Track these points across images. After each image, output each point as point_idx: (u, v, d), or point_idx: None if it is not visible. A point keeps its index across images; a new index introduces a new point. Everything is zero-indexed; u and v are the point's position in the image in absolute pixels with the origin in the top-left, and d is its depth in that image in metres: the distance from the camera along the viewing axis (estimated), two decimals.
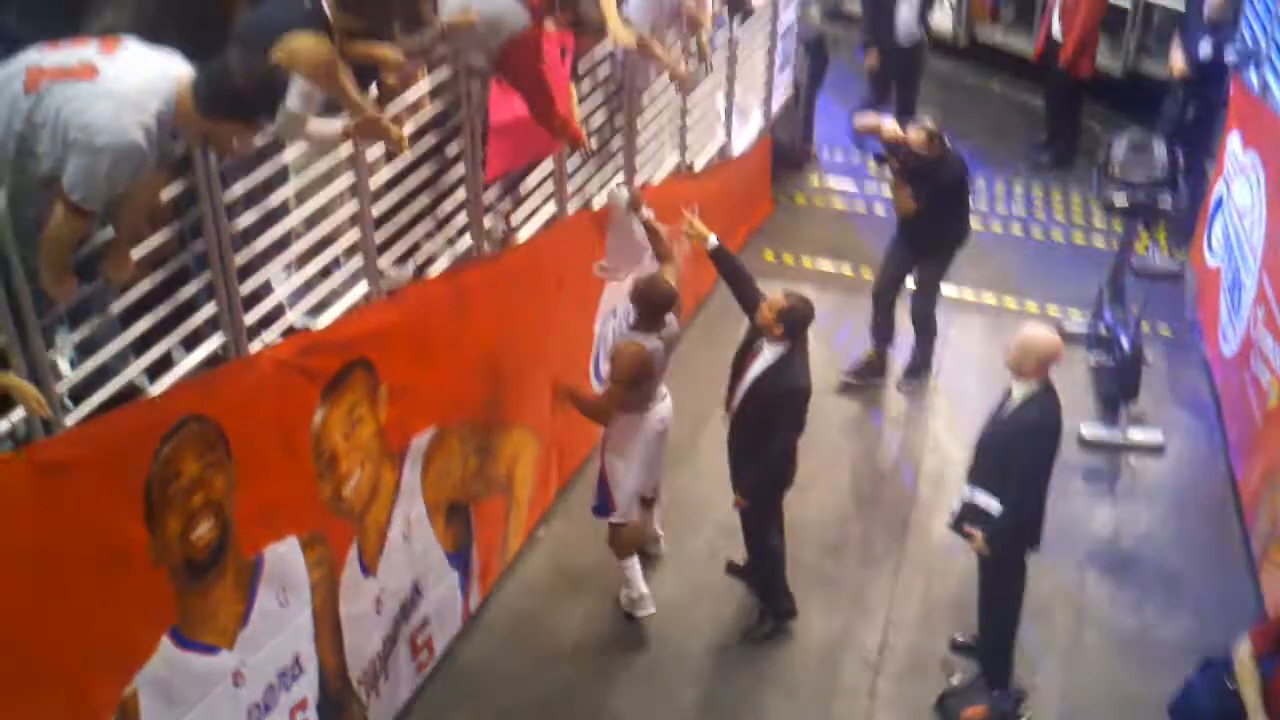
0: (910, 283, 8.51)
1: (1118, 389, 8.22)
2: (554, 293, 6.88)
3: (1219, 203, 9.31)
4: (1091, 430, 8.16)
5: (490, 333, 6.20)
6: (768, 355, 6.01)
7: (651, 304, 6.12)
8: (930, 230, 8.15)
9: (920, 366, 8.64)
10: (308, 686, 5.07)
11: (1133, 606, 6.93)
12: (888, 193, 8.85)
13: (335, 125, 4.70)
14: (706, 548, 7.08)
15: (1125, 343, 8.12)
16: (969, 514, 5.91)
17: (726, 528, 6.88)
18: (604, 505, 6.50)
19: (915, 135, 7.85)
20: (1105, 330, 8.57)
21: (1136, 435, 8.15)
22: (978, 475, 5.93)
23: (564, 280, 6.99)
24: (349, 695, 5.42)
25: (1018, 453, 5.69)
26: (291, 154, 4.86)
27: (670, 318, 6.23)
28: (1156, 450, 8.11)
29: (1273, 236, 7.89)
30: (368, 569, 5.40)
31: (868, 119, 8.36)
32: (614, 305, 7.66)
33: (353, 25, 4.75)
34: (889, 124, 8.00)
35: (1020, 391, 5.73)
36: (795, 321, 5.95)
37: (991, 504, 5.79)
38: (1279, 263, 7.71)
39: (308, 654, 5.04)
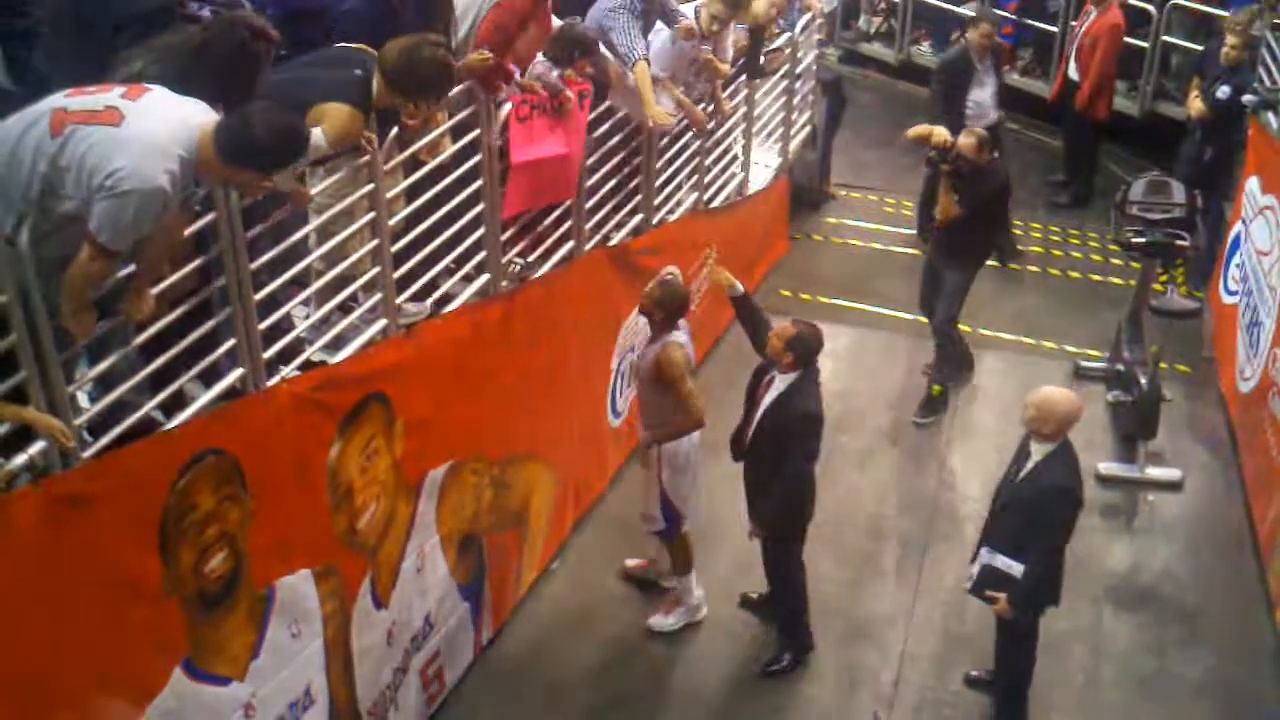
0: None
1: (1136, 426, 8.21)
2: (570, 329, 6.94)
3: (1236, 242, 9.32)
4: (1109, 467, 8.15)
5: (506, 368, 6.27)
6: (779, 385, 6.05)
7: (669, 307, 6.28)
8: (964, 238, 8.29)
9: (934, 400, 8.72)
10: (318, 717, 5.10)
11: (1150, 643, 6.89)
12: (903, 233, 8.89)
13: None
14: (721, 581, 7.08)
15: (1143, 380, 8.12)
16: (989, 578, 5.86)
17: (742, 563, 6.90)
18: (671, 525, 6.59)
19: (965, 140, 8.07)
20: (1124, 368, 8.58)
21: (1154, 472, 8.14)
22: (996, 537, 5.88)
23: (580, 317, 7.05)
24: None
25: (1042, 516, 5.65)
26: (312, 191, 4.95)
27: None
28: (1174, 487, 8.09)
29: None
30: (380, 601, 5.45)
31: (919, 127, 8.43)
32: (631, 342, 7.72)
33: (397, 104, 4.89)
34: (940, 130, 8.20)
35: (1040, 452, 5.70)
36: (805, 349, 6.00)
37: (1013, 566, 5.75)
38: None
39: (319, 685, 5.08)
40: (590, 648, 6.71)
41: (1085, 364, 9.18)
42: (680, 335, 6.32)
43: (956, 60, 9.95)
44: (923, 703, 6.46)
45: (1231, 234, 9.46)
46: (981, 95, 9.86)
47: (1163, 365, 8.28)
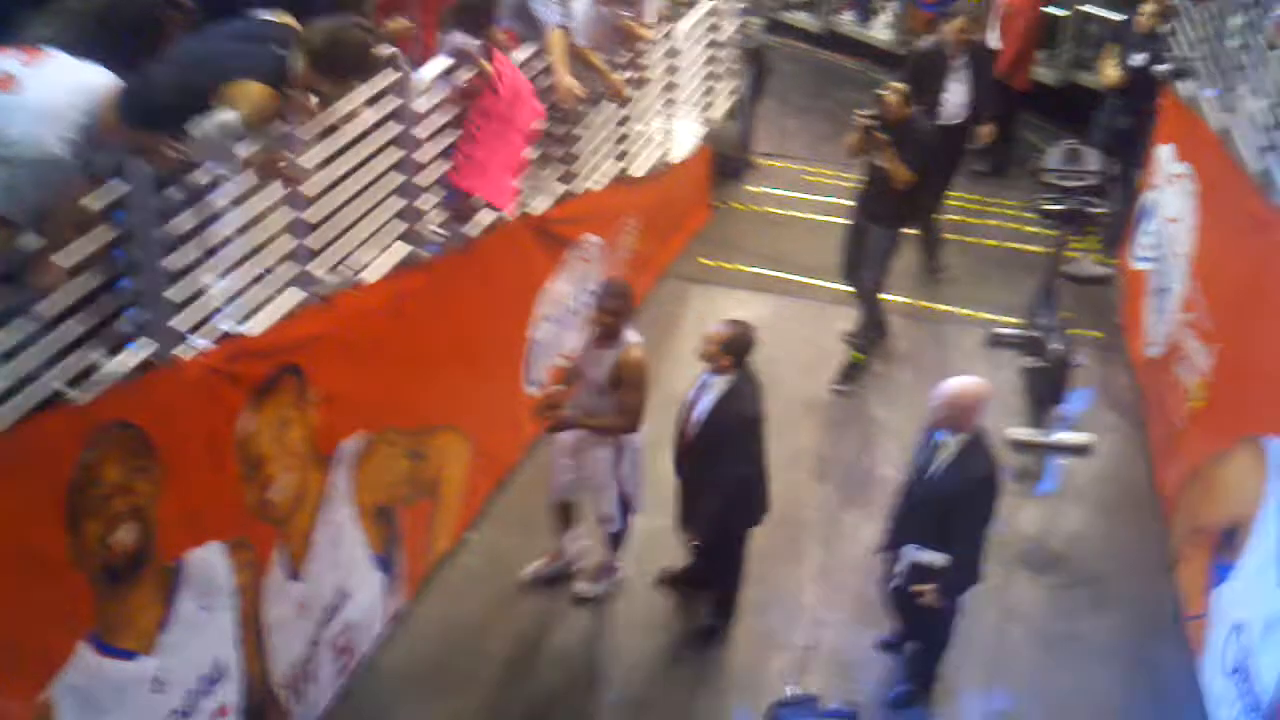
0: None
1: (1048, 391, 8.35)
2: (489, 299, 6.94)
3: (1147, 210, 9.50)
4: (1020, 432, 8.29)
5: (423, 338, 6.25)
6: (716, 387, 6.00)
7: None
8: (894, 198, 8.37)
9: (853, 367, 8.81)
10: (229, 691, 5.08)
11: (1059, 606, 7.05)
12: (824, 200, 8.93)
13: (236, 154, 4.76)
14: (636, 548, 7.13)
15: (1056, 346, 8.27)
16: (917, 574, 5.85)
17: (654, 530, 6.94)
18: (624, 518, 6.60)
19: (887, 95, 8.15)
20: (1037, 333, 8.72)
21: (1064, 436, 8.29)
22: (915, 533, 5.88)
23: (499, 285, 7.05)
24: (271, 700, 5.43)
25: (965, 508, 5.65)
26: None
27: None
28: (1085, 451, 8.25)
29: (1202, 243, 8.08)
30: (293, 573, 5.43)
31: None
32: (547, 311, 7.73)
33: (318, 85, 4.82)
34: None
35: (955, 443, 5.68)
36: (740, 348, 5.95)
37: (936, 558, 5.77)
38: (1207, 269, 7.89)
39: (229, 659, 5.06)
40: (504, 616, 6.72)
41: (1001, 330, 9.32)
42: (637, 336, 6.24)
43: (928, 52, 9.65)
44: (835, 665, 6.57)
45: (1143, 201, 9.64)
46: (954, 94, 9.55)
47: (1074, 331, 8.43)
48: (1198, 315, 7.80)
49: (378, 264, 5.95)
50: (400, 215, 6.09)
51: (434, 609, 6.75)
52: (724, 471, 6.00)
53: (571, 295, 8.09)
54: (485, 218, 6.83)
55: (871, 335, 8.96)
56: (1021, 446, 8.22)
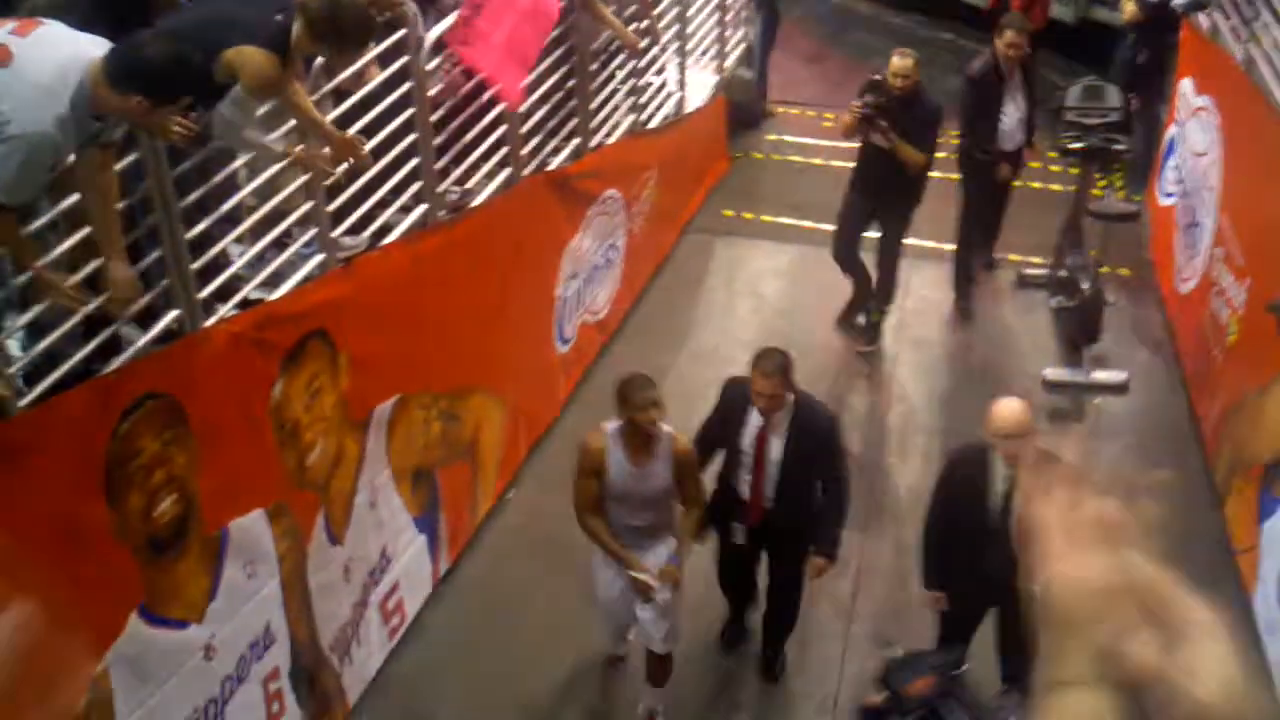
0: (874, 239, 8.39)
1: (1079, 330, 8.28)
2: (512, 257, 6.86)
3: (1172, 145, 9.36)
4: (1055, 373, 8.21)
5: (449, 299, 6.19)
6: (783, 420, 5.43)
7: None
8: (899, 178, 7.95)
9: (874, 326, 8.56)
10: (280, 656, 5.08)
11: None
12: (843, 146, 8.74)
13: (276, 143, 4.70)
14: None
15: (1085, 285, 8.17)
16: None
17: None
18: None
19: (888, 73, 7.73)
20: (1066, 273, 8.63)
21: (1099, 375, 8.21)
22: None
23: (522, 244, 6.97)
24: (322, 663, 5.43)
25: None
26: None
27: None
28: (1120, 389, 8.17)
29: (1229, 177, 7.95)
30: (335, 538, 5.40)
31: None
32: (574, 269, 7.66)
33: (318, 53, 4.75)
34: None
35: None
36: (789, 369, 5.38)
37: None
38: (1236, 203, 7.77)
39: (278, 624, 5.05)
40: (547, 573, 6.69)
41: (1028, 271, 9.23)
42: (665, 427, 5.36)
43: (984, 74, 8.62)
44: (880, 612, 6.53)
45: (1167, 136, 9.50)
46: (1010, 116, 8.61)
47: (1103, 269, 8.34)
48: (1229, 249, 7.69)
49: (398, 225, 5.88)
50: (416, 174, 6.01)
51: (478, 570, 6.74)
52: (839, 480, 5.58)
53: (595, 251, 8.01)
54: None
55: (883, 294, 8.54)
56: (1056, 387, 8.16)
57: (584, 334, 7.99)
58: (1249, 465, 6.70)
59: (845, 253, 8.42)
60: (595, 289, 8.10)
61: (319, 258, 5.40)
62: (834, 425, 5.60)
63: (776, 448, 5.45)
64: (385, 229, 5.89)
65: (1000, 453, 5.18)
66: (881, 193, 8.09)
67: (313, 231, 5.38)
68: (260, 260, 5.22)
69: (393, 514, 5.91)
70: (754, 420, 5.45)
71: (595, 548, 5.54)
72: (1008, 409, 5.20)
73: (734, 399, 5.53)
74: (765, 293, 9.09)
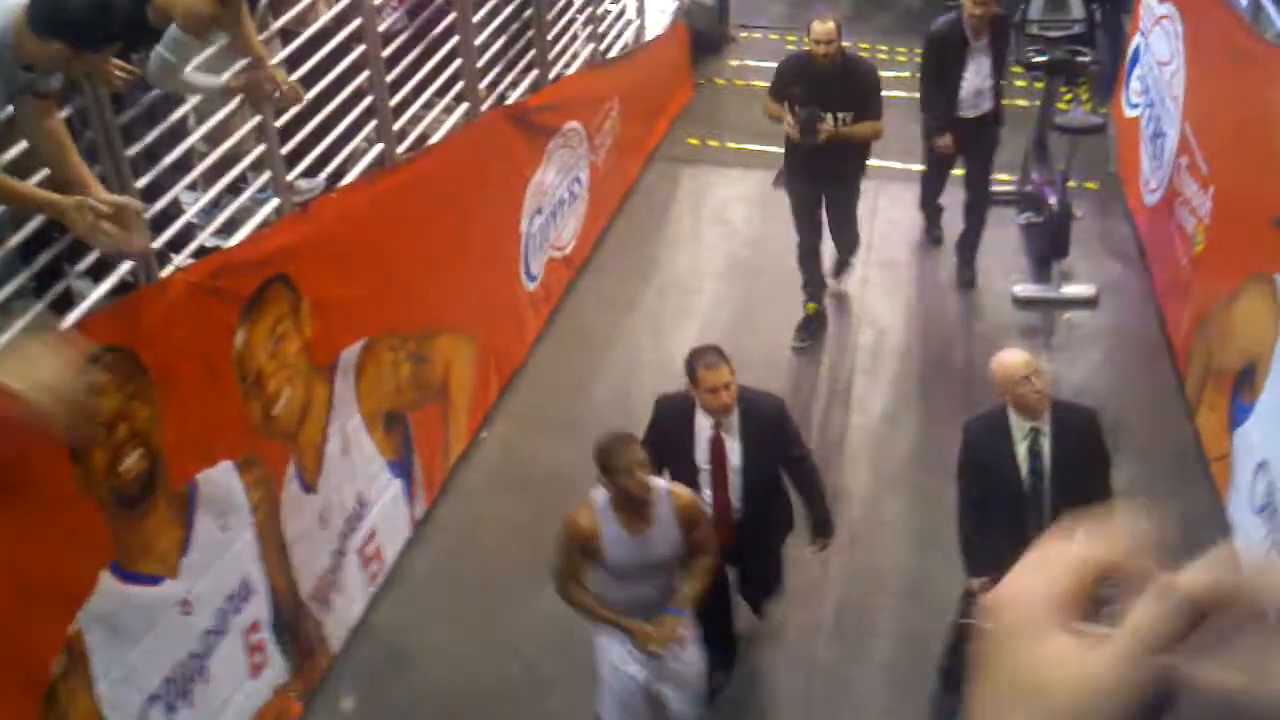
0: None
1: (1049, 246, 8.25)
2: (474, 194, 6.76)
3: (1136, 55, 9.29)
4: (1026, 289, 8.20)
5: (411, 239, 6.10)
6: (735, 419, 5.02)
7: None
8: (842, 159, 7.41)
9: (810, 319, 7.88)
10: (259, 607, 5.04)
11: None
12: None
13: (217, 80, 4.56)
14: None
15: (1053, 200, 8.14)
16: None
17: None
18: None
19: (820, 29, 7.12)
20: (1033, 189, 8.59)
21: (1069, 290, 8.21)
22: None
23: (483, 181, 6.87)
24: (302, 612, 5.40)
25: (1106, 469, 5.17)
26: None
27: None
28: (1090, 303, 8.17)
29: (1193, 86, 7.90)
30: (308, 486, 5.35)
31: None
32: (538, 204, 7.56)
33: None
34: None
35: (1047, 418, 4.97)
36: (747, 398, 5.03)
37: None
38: (1200, 112, 7.72)
39: (255, 575, 5.01)
40: (525, 512, 6.66)
41: (996, 188, 9.18)
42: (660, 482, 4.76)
43: (946, 33, 8.04)
44: (854, 535, 6.53)
45: (1131, 47, 9.42)
46: (973, 80, 7.99)
47: (1071, 183, 8.30)
48: (1193, 158, 7.65)
49: (355, 166, 5.78)
50: (371, 113, 5.90)
51: (456, 511, 6.70)
52: (803, 459, 5.25)
53: (559, 185, 7.91)
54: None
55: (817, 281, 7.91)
56: (1027, 303, 8.15)
57: (551, 270, 7.92)
58: (1219, 374, 6.72)
59: (813, 252, 7.80)
60: (560, 224, 8.02)
61: (275, 202, 5.30)
62: (782, 405, 5.23)
63: (735, 451, 5.02)
64: (342, 170, 5.78)
65: (1014, 403, 4.90)
66: (827, 176, 7.52)
67: (267, 176, 5.28)
68: (215, 207, 5.12)
69: (366, 459, 5.85)
70: (704, 429, 5.01)
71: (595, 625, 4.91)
72: (1010, 355, 5.03)
73: (672, 415, 5.09)
74: (733, 220, 9.02)
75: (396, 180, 5.96)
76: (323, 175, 5.62)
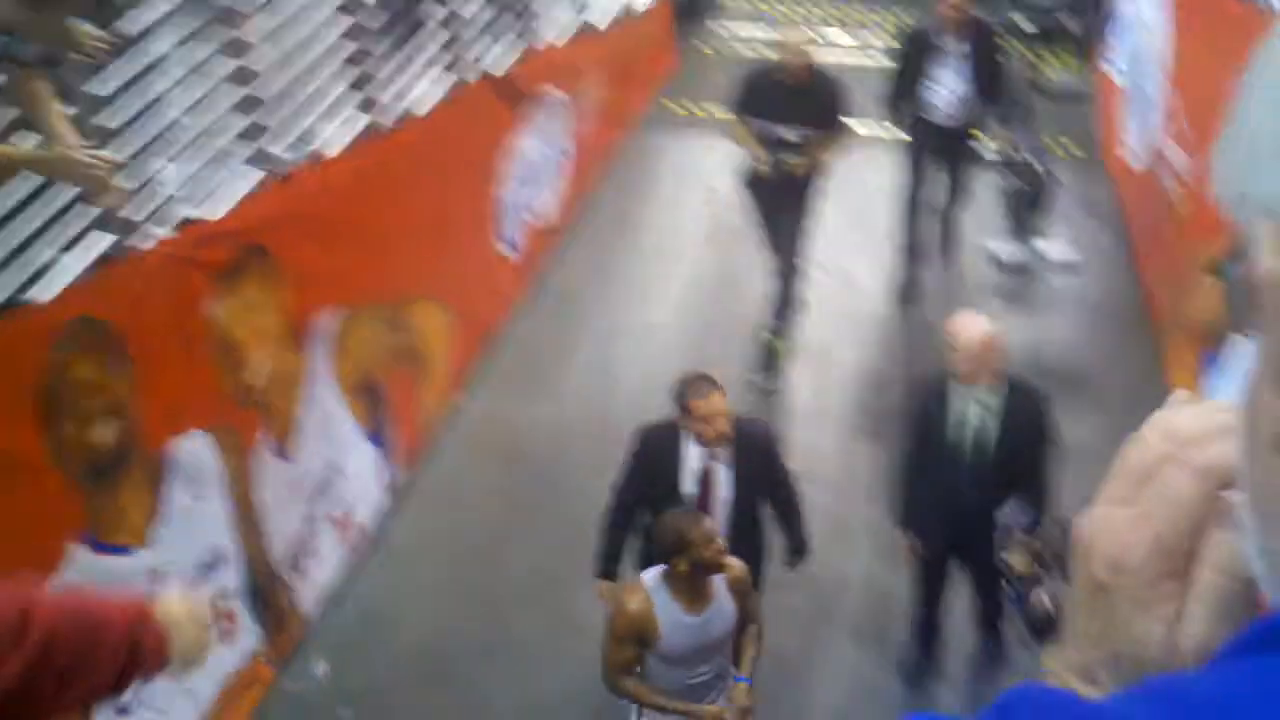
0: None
1: (1031, 210, 8.28)
2: (455, 163, 6.79)
3: (1123, 21, 9.28)
4: (1009, 252, 8.24)
5: (391, 209, 6.13)
6: (724, 454, 4.80)
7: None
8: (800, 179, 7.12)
9: (773, 358, 7.41)
10: (230, 575, 5.09)
11: (1056, 418, 7.00)
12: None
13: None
14: None
15: (1037, 164, 8.15)
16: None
17: None
18: None
19: (794, 39, 7.02)
20: (1017, 153, 8.60)
21: (1052, 255, 8.24)
22: (992, 497, 4.97)
23: (465, 150, 6.90)
24: (273, 579, 5.45)
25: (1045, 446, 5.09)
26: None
27: None
28: (1072, 268, 8.21)
29: (1179, 52, 7.90)
30: (283, 454, 5.40)
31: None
32: (520, 173, 7.59)
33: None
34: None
35: (998, 389, 4.97)
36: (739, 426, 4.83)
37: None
38: (1184, 77, 7.73)
39: (227, 543, 5.06)
40: (503, 478, 6.72)
41: (981, 153, 9.19)
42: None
43: (917, 33, 7.77)
44: (802, 455, 6.45)
45: (1118, 13, 9.41)
46: (945, 86, 7.59)
47: (1055, 148, 8.32)
48: (1177, 124, 7.66)
49: (336, 137, 5.80)
50: (355, 85, 5.92)
51: (434, 479, 6.75)
52: (791, 490, 5.06)
53: (542, 154, 7.94)
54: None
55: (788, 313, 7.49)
56: (1009, 267, 8.19)
57: (533, 238, 7.95)
58: (1191, 330, 6.77)
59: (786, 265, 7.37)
60: (542, 192, 8.05)
61: (255, 174, 5.32)
62: (772, 431, 5.10)
63: (726, 482, 4.81)
64: (324, 142, 5.81)
65: (965, 373, 4.89)
66: (782, 194, 7.16)
67: (248, 147, 5.30)
68: (195, 179, 5.14)
69: (342, 428, 5.91)
70: (693, 459, 4.78)
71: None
72: (971, 324, 4.94)
73: (657, 445, 4.85)
74: (717, 186, 9.01)
75: (378, 151, 5.99)
76: (305, 146, 5.62)
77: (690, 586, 4.26)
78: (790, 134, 6.84)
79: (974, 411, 4.95)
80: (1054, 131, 8.26)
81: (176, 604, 2.24)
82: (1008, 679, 5.45)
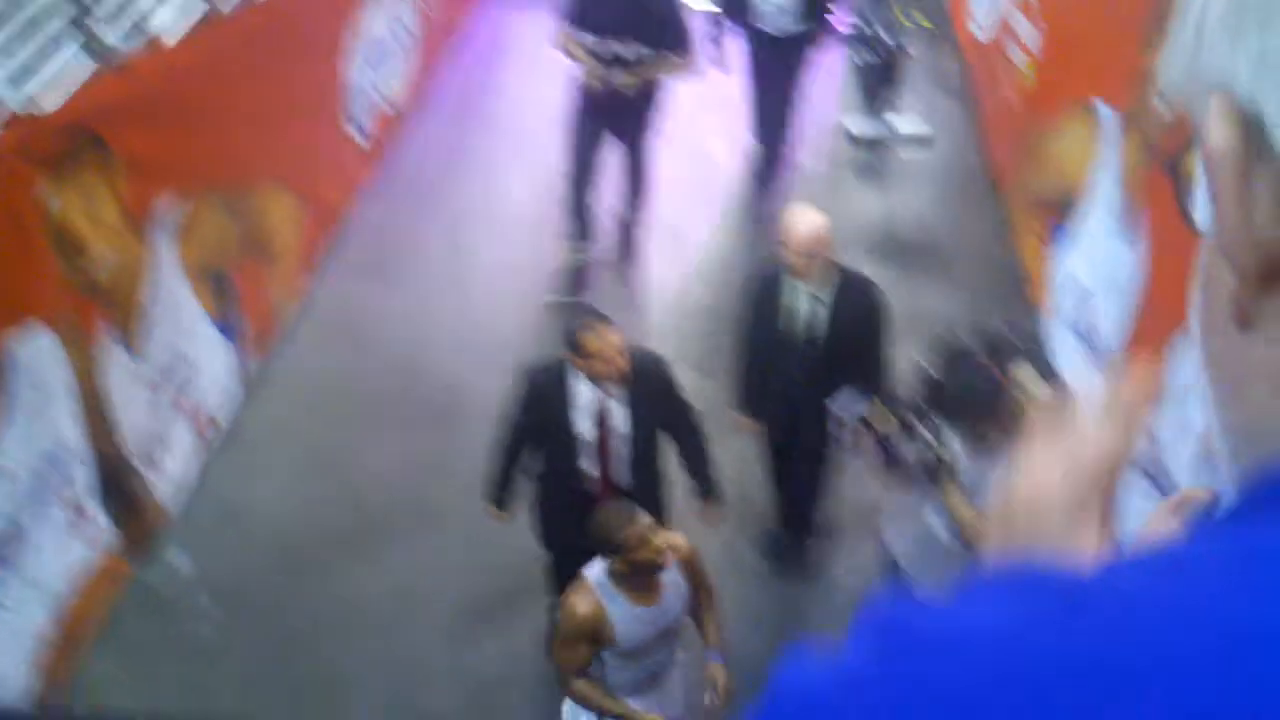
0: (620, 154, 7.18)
1: (882, 84, 8.36)
2: (295, 45, 6.58)
3: None
4: (860, 127, 8.33)
5: (232, 94, 5.93)
6: (617, 391, 4.64)
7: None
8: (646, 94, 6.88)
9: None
10: (80, 471, 4.99)
11: (909, 287, 7.16)
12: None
13: None
14: None
15: (887, 38, 8.21)
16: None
17: None
18: None
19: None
20: (867, 27, 8.64)
21: (903, 129, 8.36)
22: (828, 388, 5.16)
23: (305, 31, 6.70)
24: (126, 473, 5.35)
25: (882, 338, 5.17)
26: None
27: None
28: (923, 140, 8.35)
29: None
30: (130, 348, 5.28)
31: None
32: (363, 53, 7.40)
33: None
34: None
35: (830, 282, 4.99)
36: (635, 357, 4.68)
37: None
38: None
39: (76, 439, 4.95)
40: (360, 359, 6.65)
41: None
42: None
43: None
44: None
45: None
46: None
47: (904, 20, 8.38)
48: None
49: (174, 23, 5.56)
50: None
51: (290, 364, 6.66)
52: (695, 424, 4.93)
53: (385, 33, 7.73)
54: None
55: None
56: (861, 142, 8.30)
57: (380, 120, 7.79)
58: (1039, 202, 6.97)
59: (579, 200, 7.13)
60: (388, 73, 7.87)
61: (86, 62, 5.09)
62: (664, 362, 4.88)
63: (622, 418, 4.65)
64: (160, 28, 5.56)
65: (795, 266, 4.91)
66: (619, 112, 6.88)
67: (78, 36, 5.05)
68: (23, 72, 4.90)
69: (191, 319, 5.78)
70: (584, 396, 4.62)
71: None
72: (807, 222, 4.92)
73: (544, 386, 4.69)
74: (567, 64, 8.90)
75: (215, 34, 5.76)
76: (140, 32, 5.36)
77: (636, 581, 4.11)
78: (626, 50, 6.60)
79: (804, 303, 5.01)
80: (904, 4, 8.30)
81: None
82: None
